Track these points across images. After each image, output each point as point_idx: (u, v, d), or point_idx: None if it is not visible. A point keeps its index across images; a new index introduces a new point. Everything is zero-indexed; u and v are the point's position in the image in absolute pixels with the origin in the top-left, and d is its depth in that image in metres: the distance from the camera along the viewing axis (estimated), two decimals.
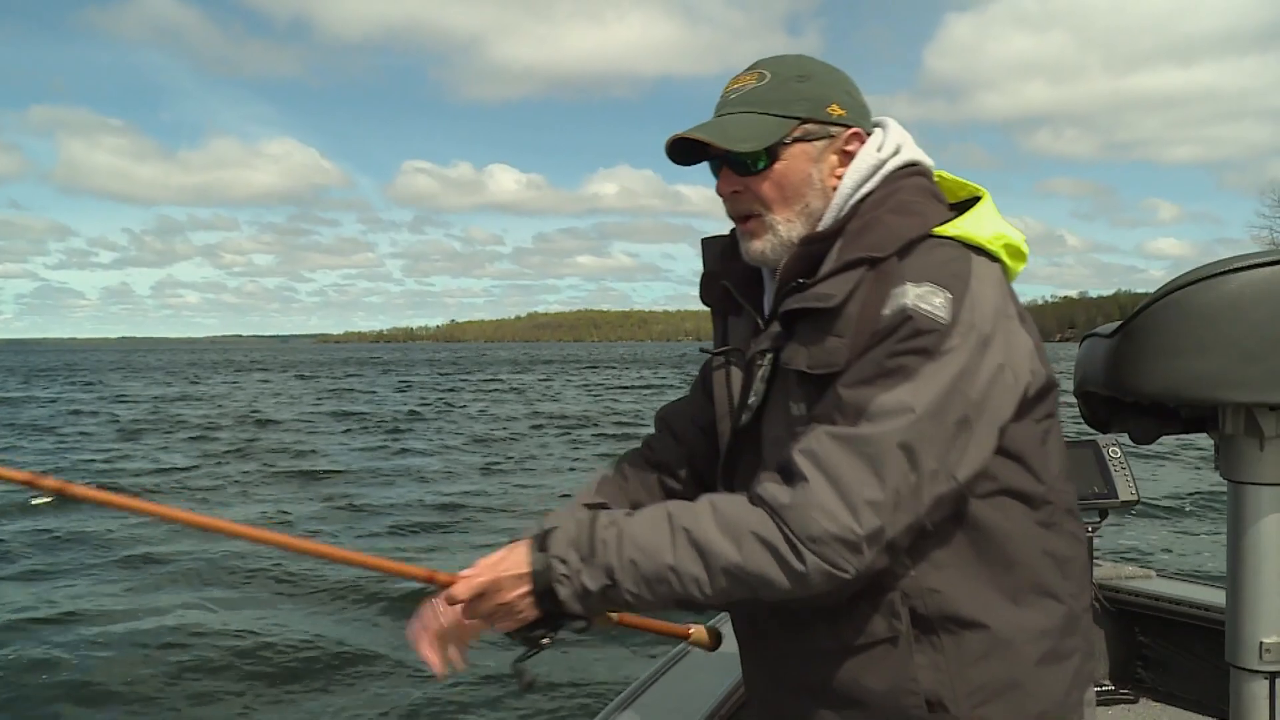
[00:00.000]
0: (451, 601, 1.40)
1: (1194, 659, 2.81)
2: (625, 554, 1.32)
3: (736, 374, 1.51)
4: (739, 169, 1.45)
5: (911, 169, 1.47)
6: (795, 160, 1.44)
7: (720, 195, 1.50)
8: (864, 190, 1.44)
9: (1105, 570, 3.10)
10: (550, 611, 1.37)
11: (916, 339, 1.27)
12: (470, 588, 1.37)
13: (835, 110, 1.45)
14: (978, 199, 1.47)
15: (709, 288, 1.59)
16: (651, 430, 1.77)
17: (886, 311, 1.29)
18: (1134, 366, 1.56)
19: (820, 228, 1.44)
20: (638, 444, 1.75)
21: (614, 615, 1.48)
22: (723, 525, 1.29)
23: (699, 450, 1.67)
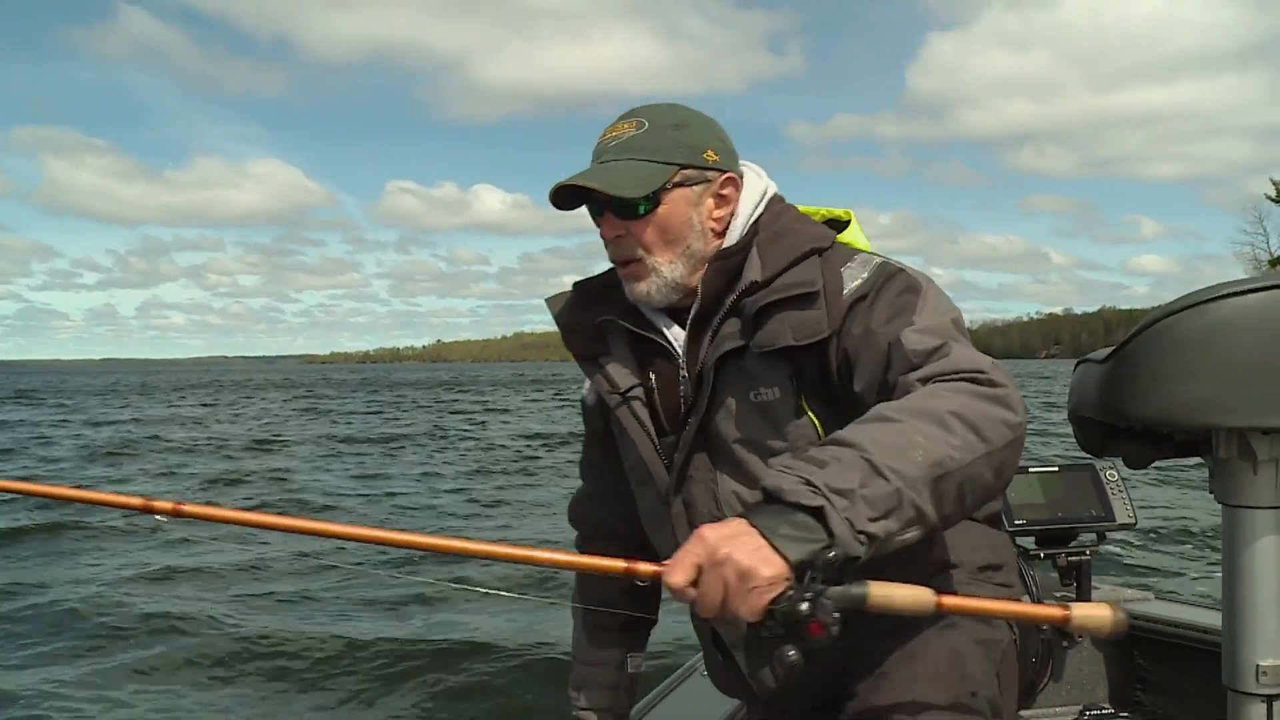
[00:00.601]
0: (675, 595, 1.22)
1: (1193, 681, 2.82)
2: (854, 448, 1.23)
3: (664, 396, 1.63)
4: (622, 214, 1.54)
5: (779, 198, 1.65)
6: (676, 205, 1.55)
7: (603, 239, 1.60)
8: (756, 214, 1.60)
9: (1104, 593, 3.11)
10: (806, 565, 1.17)
11: (900, 279, 1.49)
12: (685, 573, 1.19)
13: (710, 156, 1.57)
14: (845, 221, 1.67)
15: (577, 335, 1.69)
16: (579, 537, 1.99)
17: (862, 278, 1.50)
18: (1127, 392, 1.57)
19: (702, 261, 1.58)
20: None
21: (928, 599, 1.21)
22: (925, 400, 1.29)
23: (634, 522, 1.79)
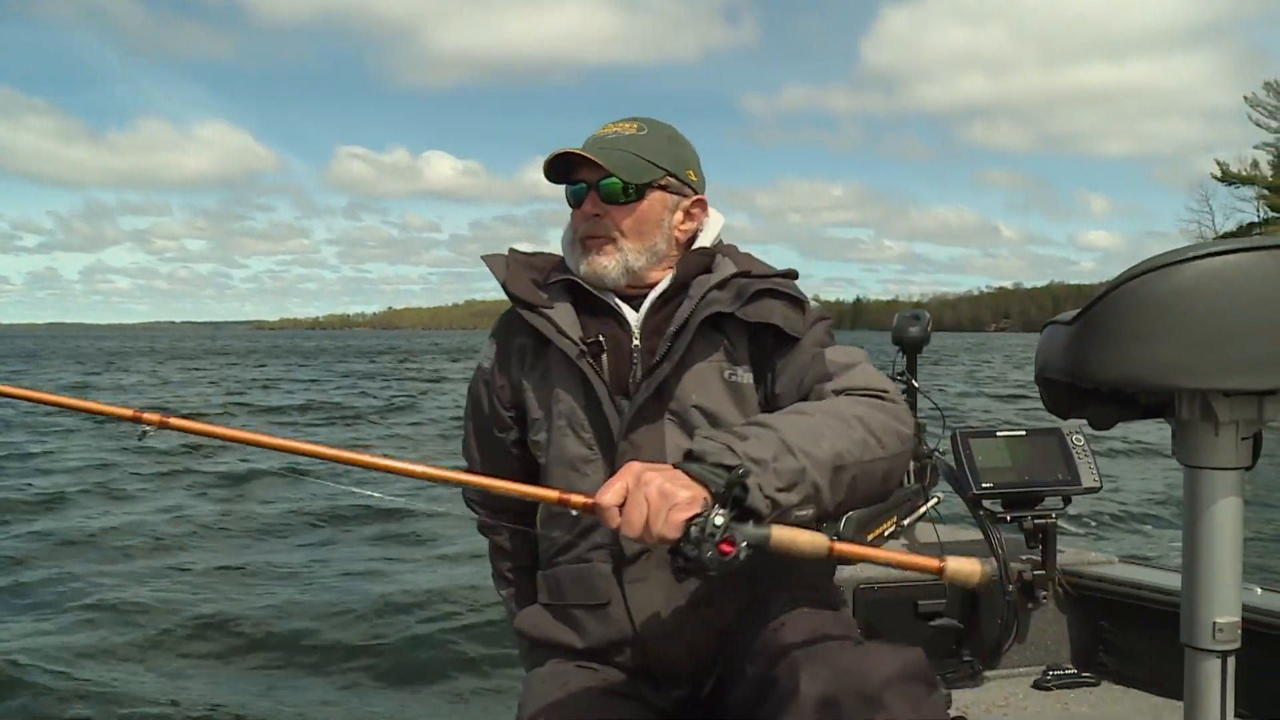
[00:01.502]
0: (600, 515, 1.38)
1: (1154, 642, 2.91)
2: (772, 429, 1.47)
3: (618, 353, 1.79)
4: (608, 196, 1.80)
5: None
6: (654, 204, 1.83)
7: (580, 215, 1.82)
8: (716, 241, 1.89)
9: (1068, 556, 3.19)
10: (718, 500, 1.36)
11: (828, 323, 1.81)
12: (615, 492, 1.37)
13: (691, 175, 1.88)
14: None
15: (524, 286, 1.84)
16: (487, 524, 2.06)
17: (812, 307, 1.80)
18: (1092, 354, 1.60)
19: (670, 263, 1.85)
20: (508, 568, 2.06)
21: (823, 544, 1.36)
22: (836, 404, 1.58)
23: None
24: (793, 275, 1.84)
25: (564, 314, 1.81)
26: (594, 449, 1.78)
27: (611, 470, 1.69)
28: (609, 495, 1.37)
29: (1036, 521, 3.01)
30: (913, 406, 3.46)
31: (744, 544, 1.32)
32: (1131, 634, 3.01)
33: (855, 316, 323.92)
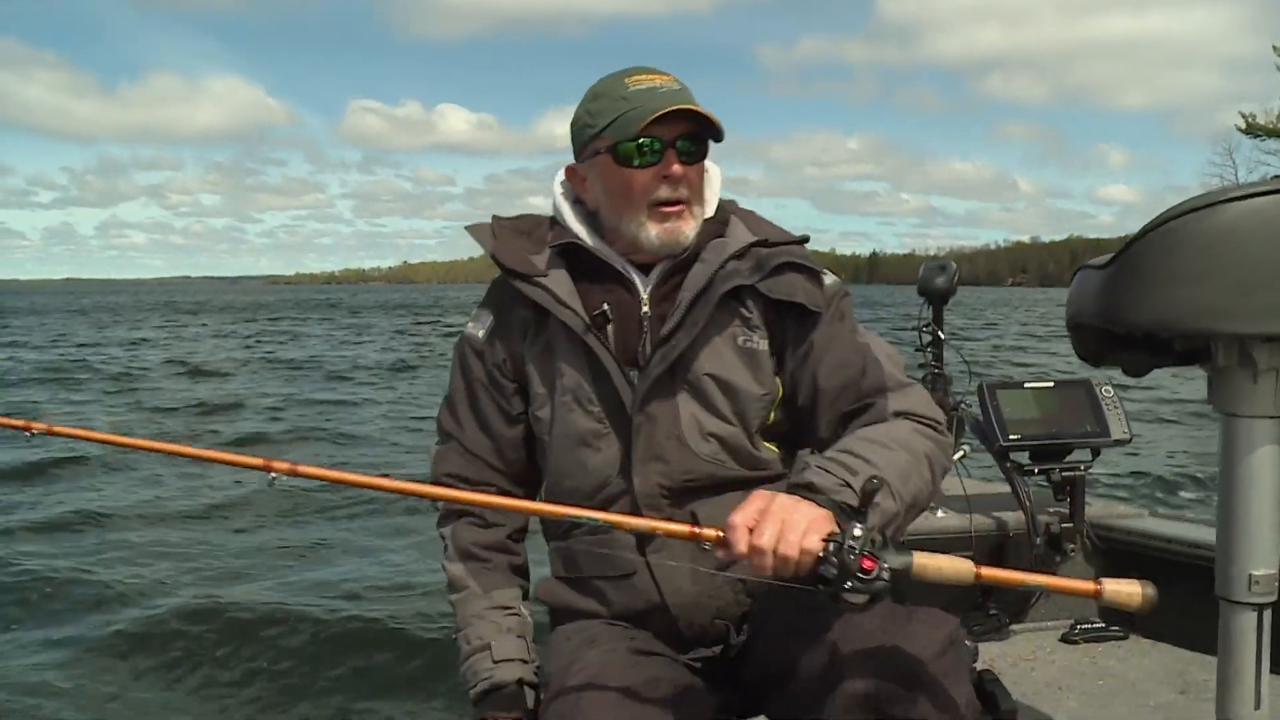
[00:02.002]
0: (730, 539, 1.36)
1: (1184, 596, 2.90)
2: (873, 465, 1.50)
3: (624, 322, 1.73)
4: (689, 156, 1.70)
5: None
6: (708, 161, 1.76)
7: (655, 176, 1.69)
8: (717, 190, 1.81)
9: (1097, 509, 3.18)
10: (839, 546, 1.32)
11: (849, 298, 1.80)
12: (748, 516, 1.36)
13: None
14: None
15: (516, 257, 1.76)
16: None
17: (833, 281, 1.76)
18: (1127, 298, 1.58)
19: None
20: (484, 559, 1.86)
21: (968, 570, 1.32)
22: (911, 439, 1.61)
23: (511, 471, 1.86)
24: (804, 240, 1.79)
25: (561, 282, 1.74)
26: (604, 423, 1.73)
27: (625, 443, 1.71)
28: (740, 519, 1.35)
29: (1065, 474, 3.00)
30: (939, 358, 3.43)
31: (885, 565, 1.29)
32: (1161, 587, 2.99)
33: (871, 271, 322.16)
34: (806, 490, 1.44)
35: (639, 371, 1.71)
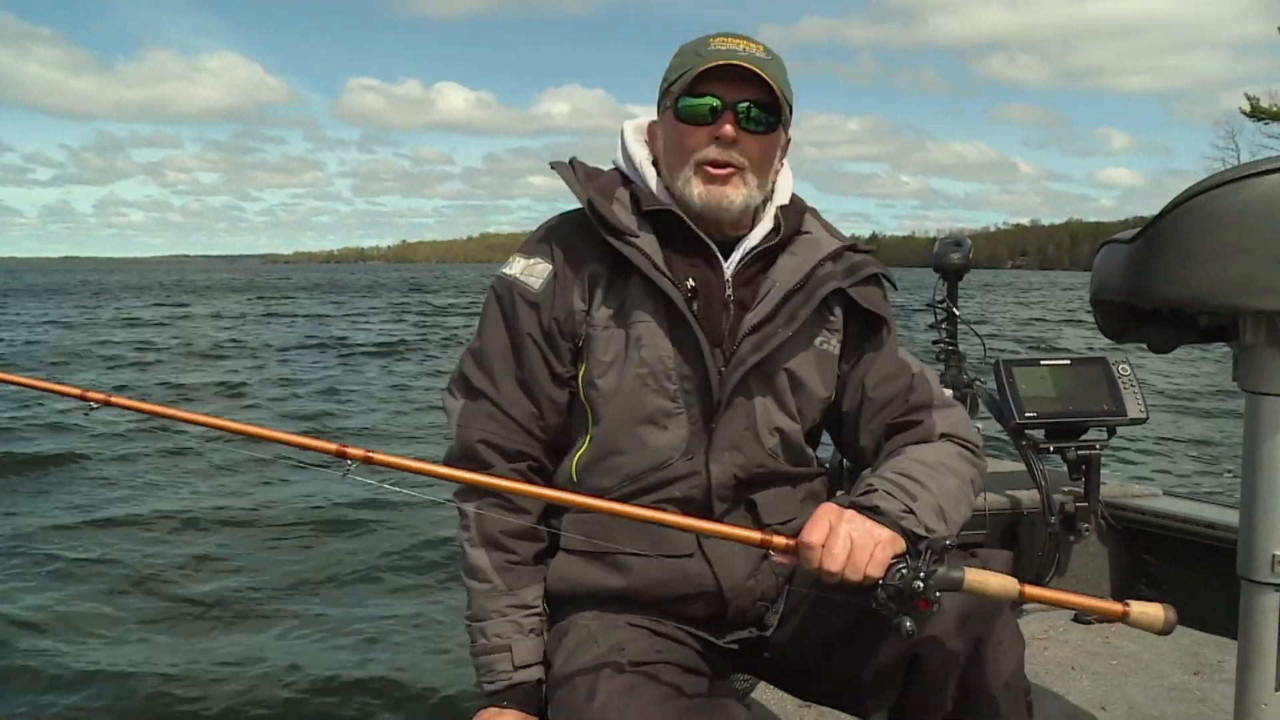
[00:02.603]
0: (804, 551, 1.42)
1: (1199, 576, 2.90)
2: (929, 491, 1.56)
3: (709, 301, 1.68)
4: (751, 123, 1.64)
5: None
6: (777, 138, 1.70)
7: (708, 135, 1.64)
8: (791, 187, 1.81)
9: (1111, 488, 3.18)
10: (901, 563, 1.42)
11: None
12: (820, 530, 1.42)
13: (790, 118, 1.72)
14: None
15: (607, 213, 1.67)
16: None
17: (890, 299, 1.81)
18: (1153, 273, 1.57)
19: (768, 208, 1.75)
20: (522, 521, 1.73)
21: (1013, 588, 1.44)
22: (955, 463, 1.66)
23: (545, 438, 1.76)
24: (874, 250, 1.82)
25: (652, 247, 1.66)
26: (678, 401, 1.67)
27: (700, 427, 1.68)
28: (814, 533, 1.41)
29: (1080, 452, 3.00)
30: (953, 334, 3.43)
31: (938, 599, 1.39)
32: (1175, 568, 3.00)
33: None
34: (873, 513, 1.48)
35: (725, 356, 1.67)
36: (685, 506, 1.66)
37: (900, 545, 1.44)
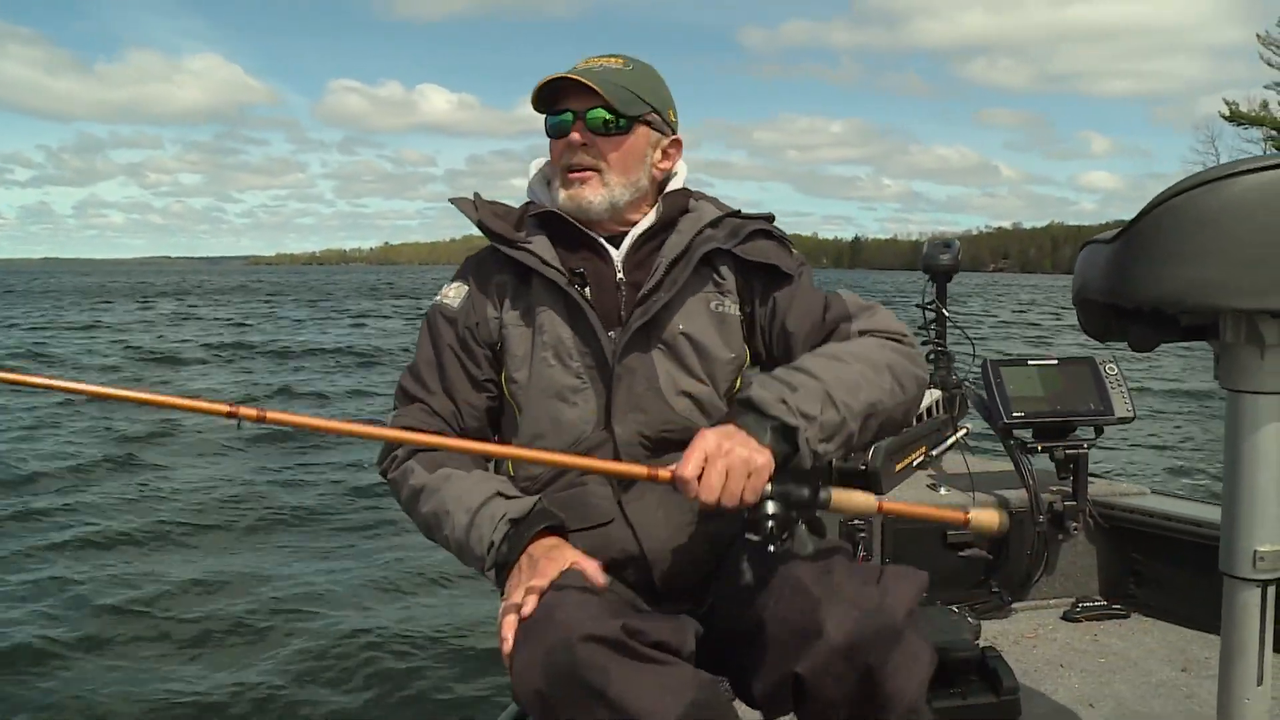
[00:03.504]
0: (682, 486, 1.52)
1: (1186, 574, 2.95)
2: (816, 378, 1.62)
3: (601, 285, 1.83)
4: (597, 127, 1.82)
5: None
6: (640, 138, 1.86)
7: (564, 145, 1.83)
8: (684, 182, 1.95)
9: (1099, 487, 3.22)
10: (783, 465, 1.55)
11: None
12: (695, 463, 1.51)
13: (671, 116, 1.92)
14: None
15: (498, 224, 1.86)
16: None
17: (796, 255, 1.89)
18: (1134, 272, 1.60)
19: (649, 204, 1.89)
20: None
21: (869, 502, 1.62)
22: (868, 350, 1.72)
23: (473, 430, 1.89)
24: (770, 219, 1.94)
25: (543, 246, 1.85)
26: (582, 378, 1.81)
27: (604, 398, 1.80)
28: (689, 467, 1.51)
29: (1068, 452, 3.04)
30: (942, 335, 3.47)
31: (796, 518, 1.54)
32: (1163, 566, 3.04)
33: (853, 255, 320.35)
34: (745, 406, 1.59)
35: (620, 330, 1.80)
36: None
37: (771, 463, 1.53)
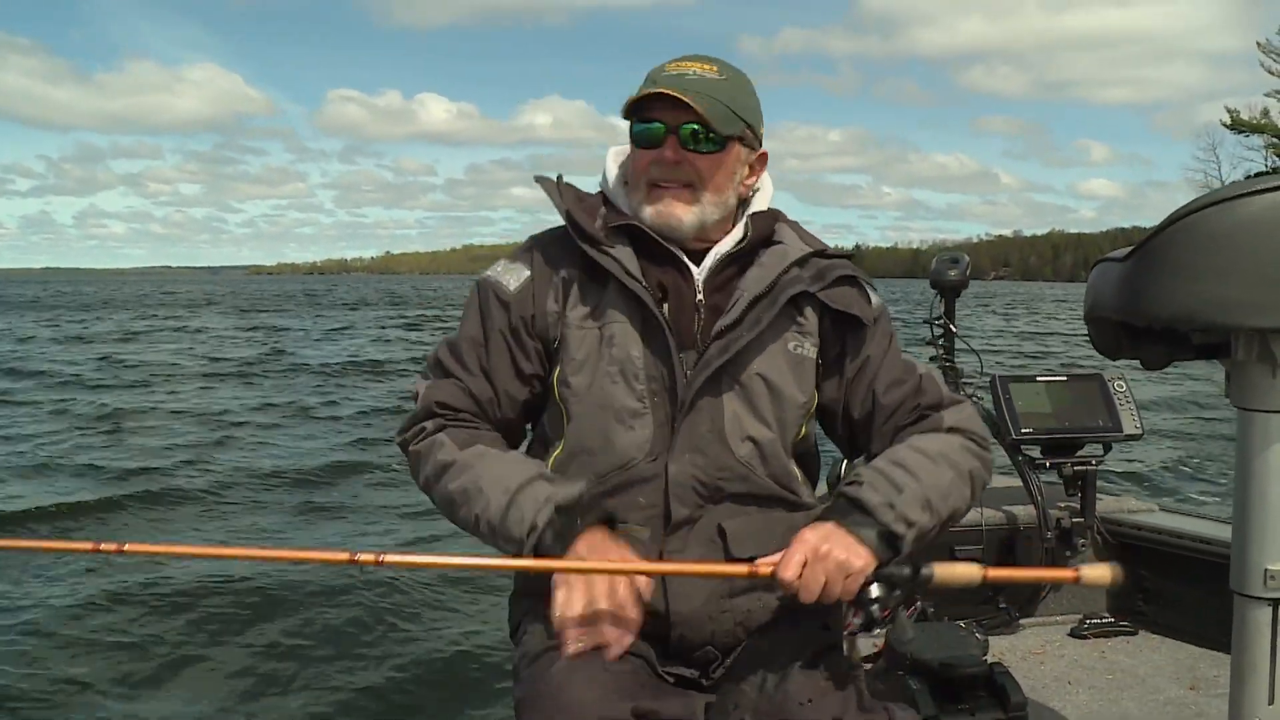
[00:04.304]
0: (783, 586, 1.57)
1: (1194, 592, 2.95)
2: (919, 482, 1.67)
3: (680, 305, 1.76)
4: (692, 143, 1.73)
5: None
6: (732, 156, 1.78)
7: (654, 157, 1.74)
8: (770, 200, 1.89)
9: (1108, 503, 3.23)
10: (881, 565, 1.60)
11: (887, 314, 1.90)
12: (796, 566, 1.56)
13: (760, 131, 1.83)
14: None
15: (586, 224, 1.77)
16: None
17: (877, 299, 1.86)
18: (1147, 290, 1.60)
19: (733, 221, 1.83)
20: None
21: (974, 573, 1.63)
22: (956, 454, 1.75)
23: (507, 430, 1.83)
24: (851, 256, 1.87)
25: (626, 255, 1.75)
26: (644, 402, 1.73)
27: (666, 429, 1.73)
28: (790, 570, 1.55)
29: (1076, 468, 3.05)
30: (950, 350, 3.48)
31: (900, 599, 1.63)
32: (1171, 583, 3.05)
33: (855, 264, 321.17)
34: (853, 505, 1.63)
35: (695, 357, 1.73)
36: (648, 511, 1.71)
37: (871, 565, 1.59)
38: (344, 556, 1.52)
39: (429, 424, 1.78)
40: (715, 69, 1.77)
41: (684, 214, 1.75)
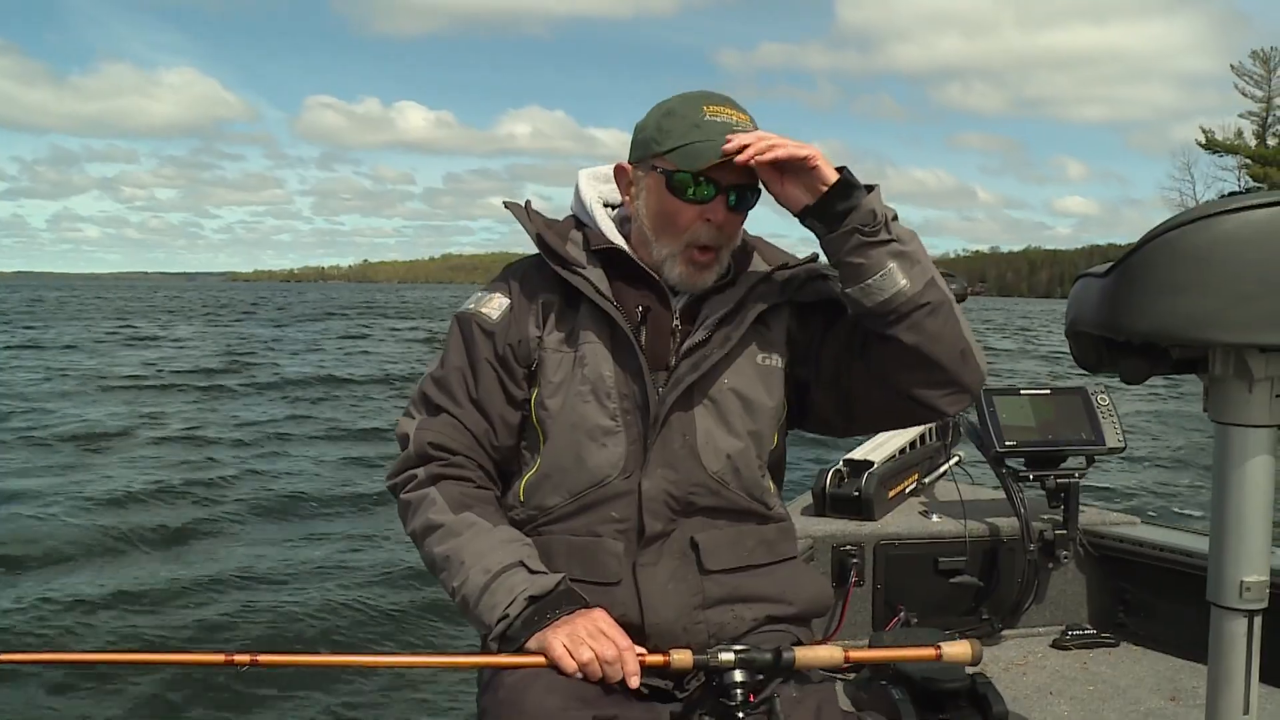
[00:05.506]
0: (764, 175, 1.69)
1: (1175, 604, 3.00)
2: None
3: (656, 328, 1.77)
4: (739, 205, 1.76)
5: None
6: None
7: (699, 218, 1.74)
8: None
9: (1090, 516, 3.28)
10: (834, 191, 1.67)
11: None
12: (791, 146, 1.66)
13: None
14: None
15: (559, 251, 1.79)
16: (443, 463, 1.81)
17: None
18: (1126, 306, 1.64)
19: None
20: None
21: (836, 654, 1.65)
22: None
23: (501, 452, 1.84)
24: (815, 258, 1.87)
25: (599, 278, 1.78)
26: (617, 420, 1.75)
27: (638, 446, 1.74)
28: (788, 148, 1.66)
29: (1059, 481, 3.09)
30: None
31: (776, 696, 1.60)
32: (1152, 595, 3.10)
33: None
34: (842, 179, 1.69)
35: (667, 376, 1.75)
36: (622, 526, 1.74)
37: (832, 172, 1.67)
38: (219, 658, 1.54)
39: (421, 472, 1.79)
40: (747, 118, 1.75)
41: (711, 276, 1.79)
